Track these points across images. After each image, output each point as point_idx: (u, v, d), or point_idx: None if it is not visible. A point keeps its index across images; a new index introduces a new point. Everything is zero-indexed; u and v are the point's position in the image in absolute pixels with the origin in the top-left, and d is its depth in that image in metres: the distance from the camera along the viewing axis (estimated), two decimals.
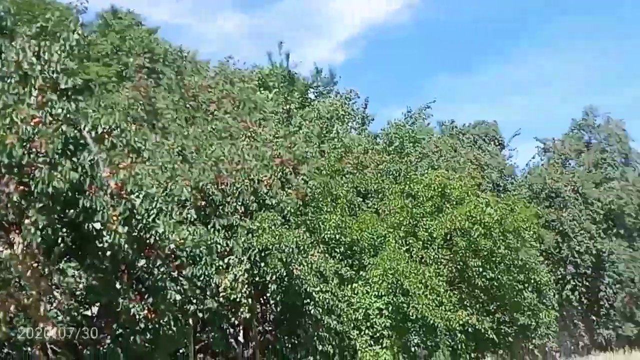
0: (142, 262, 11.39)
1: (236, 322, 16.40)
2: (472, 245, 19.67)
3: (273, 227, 14.76)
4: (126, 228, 10.57)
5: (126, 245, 10.56)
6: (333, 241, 18.36)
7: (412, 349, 18.14)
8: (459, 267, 19.88)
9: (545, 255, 33.32)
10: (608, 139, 44.74)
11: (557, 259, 35.98)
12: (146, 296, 11.46)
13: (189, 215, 12.96)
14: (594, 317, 37.85)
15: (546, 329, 24.64)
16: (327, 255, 17.20)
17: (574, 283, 36.56)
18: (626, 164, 44.85)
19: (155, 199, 11.31)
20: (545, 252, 33.06)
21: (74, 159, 10.62)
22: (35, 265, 10.43)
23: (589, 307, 38.17)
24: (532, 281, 22.59)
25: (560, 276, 35.94)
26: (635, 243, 40.12)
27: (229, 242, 14.29)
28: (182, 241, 12.03)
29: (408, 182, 21.27)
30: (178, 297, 11.61)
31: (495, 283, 20.64)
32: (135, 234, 11.03)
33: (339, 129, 24.45)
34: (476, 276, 19.74)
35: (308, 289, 15.18)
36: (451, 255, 19.72)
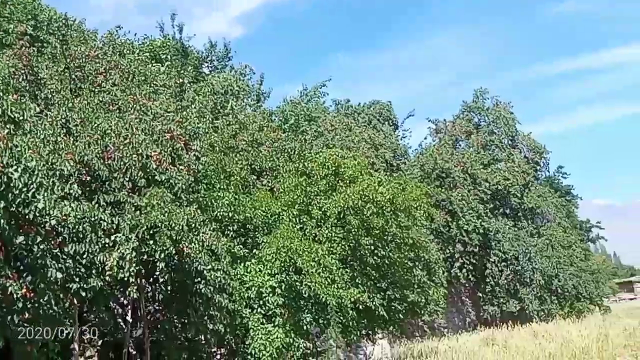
0: (20, 238, 10.82)
1: (124, 302, 15.93)
2: (365, 224, 19.86)
3: (162, 204, 14.30)
4: (2, 203, 10.02)
5: (2, 221, 9.99)
6: (226, 219, 18.07)
7: (305, 327, 18.19)
8: (351, 245, 20.02)
9: (435, 234, 34.41)
10: (496, 122, 46.56)
11: (446, 238, 37.16)
12: (25, 274, 10.91)
13: (72, 191, 12.42)
14: (480, 294, 39.41)
15: (435, 305, 25.41)
16: (219, 233, 16.91)
17: (462, 261, 37.93)
18: (513, 146, 46.88)
19: (35, 173, 10.76)
20: (435, 230, 34.12)
21: None
22: None
23: (475, 285, 39.74)
24: (422, 259, 23.18)
25: (449, 254, 37.18)
26: (520, 222, 42.06)
27: (115, 219, 13.79)
28: (64, 217, 11.56)
29: (303, 161, 21.23)
30: (59, 275, 11.13)
31: (387, 261, 21.01)
32: (13, 209, 10.48)
33: (234, 105, 24.11)
34: (368, 254, 19.99)
35: (199, 268, 14.87)
36: (344, 234, 19.81)
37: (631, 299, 67.19)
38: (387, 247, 20.71)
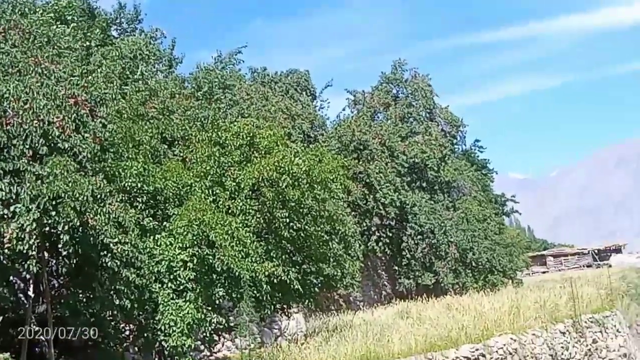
0: None
1: (26, 276, 15.44)
2: (280, 196, 19.86)
3: (66, 174, 13.91)
4: None
5: None
6: (134, 190, 17.75)
7: (217, 301, 18.14)
8: (266, 218, 20.03)
9: (352, 207, 34.80)
10: (414, 94, 47.22)
11: (363, 211, 37.64)
12: None
13: None
14: (396, 267, 40.20)
15: (351, 279, 25.79)
16: (127, 205, 16.59)
17: (379, 234, 38.54)
18: (430, 118, 47.74)
19: None
20: (352, 203, 34.54)
21: None
22: None
23: (392, 258, 40.49)
24: (339, 232, 23.39)
25: (365, 227, 37.70)
26: (436, 195, 42.97)
27: (14, 188, 13.30)
28: None
29: (216, 130, 20.99)
30: None
31: (302, 234, 21.13)
32: None
33: (144, 70, 23.49)
34: (283, 227, 20.01)
35: (105, 241, 14.56)
36: (259, 206, 19.80)
37: (544, 272, 70.05)
38: (302, 220, 20.78)
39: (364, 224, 37.56)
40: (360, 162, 38.10)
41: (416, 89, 47.24)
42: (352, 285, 27.36)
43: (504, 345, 21.74)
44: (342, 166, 23.17)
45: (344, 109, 46.96)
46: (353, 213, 34.34)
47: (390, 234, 39.22)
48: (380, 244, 38.55)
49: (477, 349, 20.82)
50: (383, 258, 40.88)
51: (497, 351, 21.39)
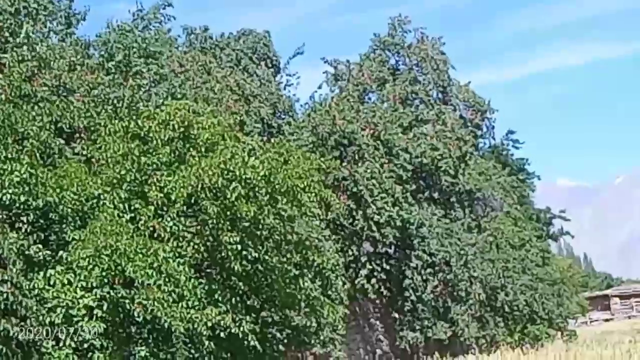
0: None
1: None
2: (229, 213, 19.97)
3: None
4: None
5: None
6: (16, 205, 17.83)
7: None
8: (208, 244, 20.11)
9: (333, 228, 34.80)
10: (421, 65, 47.28)
11: (349, 233, 37.64)
12: None
13: None
14: (396, 315, 40.26)
15: (331, 332, 25.83)
16: (5, 226, 16.65)
17: (371, 267, 38.49)
18: (445, 101, 47.78)
19: None
20: (332, 222, 34.51)
21: None
22: None
23: (390, 301, 40.53)
24: (313, 265, 23.47)
25: (352, 257, 37.67)
26: (453, 211, 43.07)
27: None
28: None
29: (135, 117, 21.07)
30: None
31: (260, 267, 21.22)
32: None
33: (30, 32, 23.52)
34: (233, 257, 20.06)
35: None
36: (198, 227, 19.89)
37: (607, 320, 70.60)
38: (261, 248, 20.94)
39: (350, 252, 37.56)
40: (345, 164, 38.12)
41: (424, 58, 47.37)
42: (333, 341, 27.41)
43: None
44: (318, 169, 23.28)
45: (320, 87, 46.95)
46: (335, 237, 34.36)
47: (388, 267, 39.20)
48: (374, 280, 38.54)
49: None
50: (377, 301, 40.94)
51: None
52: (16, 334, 15.82)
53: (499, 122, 54.36)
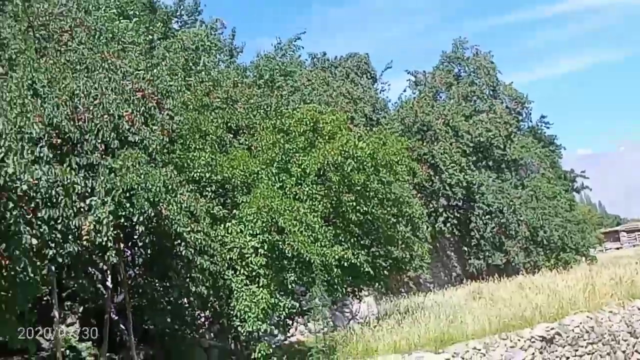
0: None
1: (104, 267, 15.96)
2: (346, 180, 19.91)
3: (138, 166, 14.30)
4: None
5: None
6: (203, 180, 18.12)
7: (289, 286, 18.37)
8: (333, 202, 20.09)
9: (418, 189, 34.58)
10: (477, 72, 46.46)
11: (429, 192, 37.41)
12: None
13: (42, 154, 12.34)
14: (465, 248, 39.84)
15: (420, 261, 25.65)
16: (197, 194, 16.98)
17: (446, 215, 38.24)
18: (494, 96, 46.94)
19: (3, 136, 10.67)
20: (417, 185, 34.25)
21: None
22: None
23: (460, 239, 40.13)
24: (406, 214, 23.31)
25: (432, 209, 37.46)
26: (503, 174, 42.33)
27: (89, 182, 13.73)
28: (35, 182, 11.50)
29: (280, 117, 21.15)
30: (34, 241, 11.12)
31: (370, 217, 21.12)
32: None
33: (206, 61, 23.85)
34: (350, 211, 20.06)
35: (178, 230, 14.94)
36: (325, 191, 19.88)
37: (617, 249, 68.39)
38: (369, 204, 20.75)
39: (431, 206, 37.33)
40: (425, 143, 37.83)
41: (478, 66, 46.50)
42: (422, 267, 27.23)
43: (580, 323, 21.34)
44: (407, 148, 23.07)
45: (404, 91, 46.60)
46: (419, 195, 34.13)
47: (458, 215, 38.89)
48: (448, 225, 38.27)
49: (552, 328, 20.49)
50: (451, 239, 40.57)
51: (573, 330, 21.01)
52: (208, 266, 16.14)
53: (534, 109, 53.49)
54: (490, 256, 38.93)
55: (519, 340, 19.63)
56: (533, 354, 19.69)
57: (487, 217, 38.77)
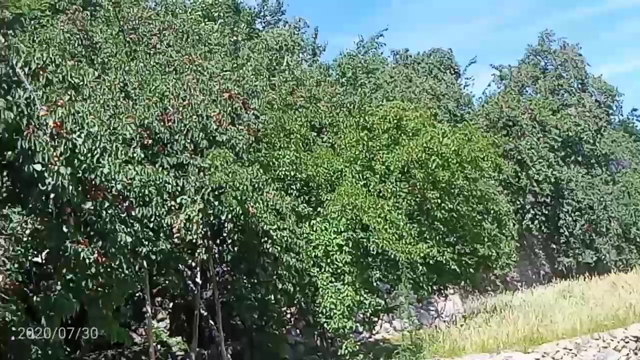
0: (88, 204, 11.19)
1: (193, 264, 16.42)
2: (430, 177, 19.79)
3: (226, 165, 14.64)
4: (69, 169, 10.32)
5: (70, 187, 10.32)
6: (288, 178, 18.36)
7: (374, 284, 18.42)
8: (417, 199, 20.00)
9: (504, 185, 33.99)
10: (564, 65, 45.23)
11: (516, 189, 36.70)
12: (95, 240, 11.32)
13: (135, 154, 12.78)
14: (554, 246, 38.94)
15: (507, 259, 25.24)
16: (282, 192, 17.23)
17: (534, 212, 37.45)
18: (583, 89, 45.56)
19: (98, 138, 11.08)
20: (504, 181, 33.71)
21: (8, 98, 10.27)
22: None
23: (549, 236, 39.22)
24: (492, 211, 23.00)
25: (519, 206, 36.74)
26: (593, 170, 41.15)
27: (179, 181, 14.15)
28: (129, 181, 11.90)
29: (363, 115, 21.19)
30: (129, 239, 11.50)
31: (455, 215, 20.89)
32: (79, 175, 10.81)
33: (289, 61, 24.13)
34: (435, 208, 19.94)
35: (265, 227, 15.23)
36: (409, 188, 19.80)
37: None
38: (454, 201, 20.57)
39: (518, 202, 36.62)
40: (510, 139, 37.15)
41: (566, 59, 45.24)
42: (509, 265, 26.79)
43: None
44: (492, 144, 22.76)
45: (489, 85, 45.92)
46: (505, 191, 33.55)
47: (546, 212, 38.02)
48: (536, 222, 37.48)
49: None
50: (539, 236, 39.66)
51: None
52: (294, 264, 16.35)
53: (626, 101, 51.68)
54: (580, 254, 37.94)
55: (612, 340, 19.07)
56: (627, 354, 19.10)
57: (576, 213, 37.81)
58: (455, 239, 21.79)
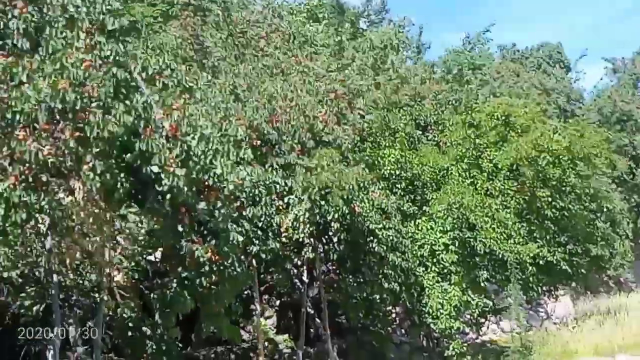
0: (202, 204, 11.60)
1: (300, 262, 16.73)
2: (540, 175, 19.45)
3: (332, 165, 14.82)
4: (184, 170, 10.71)
5: (185, 188, 10.72)
6: (393, 177, 18.45)
7: (482, 284, 18.22)
8: (526, 198, 19.65)
9: (618, 182, 32.77)
10: None
11: (631, 186, 35.40)
12: (208, 238, 11.73)
13: (245, 156, 13.11)
14: None
15: (621, 259, 24.43)
16: (388, 191, 17.29)
17: None
18: None
19: (211, 139, 11.42)
20: (618, 178, 32.47)
21: (127, 102, 10.77)
22: (96, 211, 10.74)
23: None
24: (605, 210, 22.29)
25: (634, 204, 35.40)
26: None
27: (287, 181, 14.44)
28: (240, 182, 12.22)
29: (469, 112, 20.97)
30: (240, 238, 11.85)
31: (566, 213, 20.39)
32: (194, 176, 11.21)
33: (394, 60, 24.02)
34: (545, 207, 19.53)
35: (370, 227, 15.37)
36: (518, 186, 19.50)
37: None
38: (565, 199, 20.10)
39: (632, 200, 35.25)
40: (625, 134, 35.80)
41: None
42: (623, 265, 25.92)
43: None
44: (605, 140, 22.08)
45: (601, 79, 44.42)
46: (619, 189, 32.35)
47: None
48: None
49: None
50: None
51: None
52: (399, 263, 16.39)
53: None
54: None
55: None
56: None
57: None
58: (566, 239, 21.24)
